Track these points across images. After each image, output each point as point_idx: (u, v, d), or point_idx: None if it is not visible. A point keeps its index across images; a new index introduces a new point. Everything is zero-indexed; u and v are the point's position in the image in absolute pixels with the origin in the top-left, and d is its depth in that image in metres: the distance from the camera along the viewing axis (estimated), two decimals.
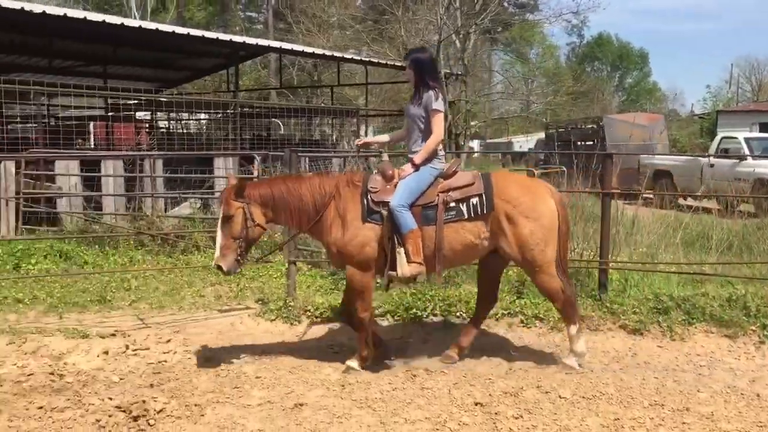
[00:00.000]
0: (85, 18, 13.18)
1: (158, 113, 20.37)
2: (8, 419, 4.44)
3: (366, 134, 23.23)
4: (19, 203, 10.10)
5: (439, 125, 5.47)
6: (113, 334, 6.36)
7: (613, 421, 4.54)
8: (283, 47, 18.76)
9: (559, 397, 4.90)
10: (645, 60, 72.85)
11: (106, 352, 5.89)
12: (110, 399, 4.76)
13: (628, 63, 72.85)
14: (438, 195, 5.37)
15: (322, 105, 23.86)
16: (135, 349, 6.03)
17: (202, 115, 20.68)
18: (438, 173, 5.47)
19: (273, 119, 22.06)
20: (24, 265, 8.67)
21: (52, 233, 10.13)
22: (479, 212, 5.36)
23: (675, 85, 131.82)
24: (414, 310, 6.82)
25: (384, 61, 21.89)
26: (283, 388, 5.06)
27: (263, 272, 8.80)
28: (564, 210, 5.65)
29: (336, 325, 6.70)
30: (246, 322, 6.94)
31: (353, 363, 5.54)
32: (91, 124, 19.59)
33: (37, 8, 12.15)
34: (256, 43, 17.78)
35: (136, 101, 19.36)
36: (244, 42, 16.63)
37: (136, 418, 4.48)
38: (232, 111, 17.01)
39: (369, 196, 5.34)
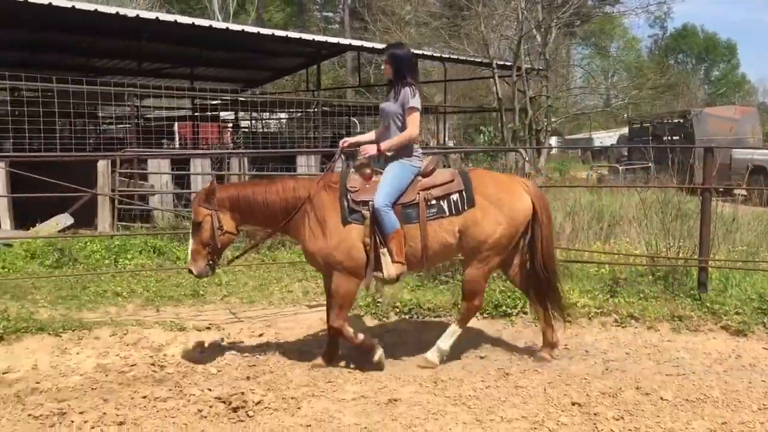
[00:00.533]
0: (175, 21, 13.64)
1: (241, 113, 20.88)
2: (115, 407, 4.60)
3: (443, 132, 23.16)
4: (115, 201, 10.50)
5: (413, 123, 5.38)
6: (208, 328, 6.54)
7: (721, 425, 4.36)
8: (363, 45, 18.89)
9: (661, 399, 4.74)
10: (733, 51, 69.64)
11: (203, 345, 6.06)
12: (209, 390, 4.87)
13: (715, 55, 69.81)
14: (419, 193, 5.34)
15: None
16: (230, 342, 6.19)
17: (283, 114, 21.06)
18: (417, 171, 5.43)
19: (350, 118, 22.26)
20: (121, 260, 9.00)
21: (145, 230, 10.49)
22: (460, 209, 5.35)
23: (765, 77, 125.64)
24: (503, 308, 6.73)
25: (462, 57, 21.73)
26: (375, 384, 5.07)
27: None
28: (543, 202, 5.62)
29: (425, 322, 6.69)
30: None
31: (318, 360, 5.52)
32: (176, 124, 20.28)
33: (131, 12, 12.66)
34: (338, 42, 17.98)
35: (219, 101, 19.93)
36: (326, 41, 16.86)
37: (235, 409, 4.58)
38: (313, 110, 17.23)
39: (349, 196, 5.28)
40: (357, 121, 23.19)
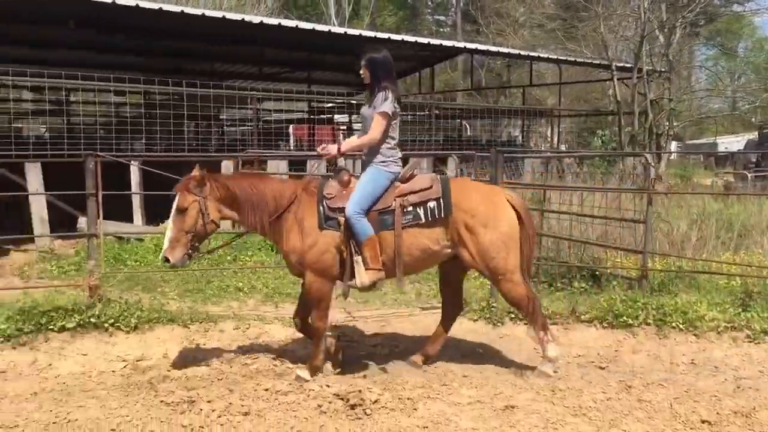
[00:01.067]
0: (296, 26, 14.09)
1: (354, 116, 21.22)
2: (240, 398, 4.78)
3: (556, 135, 22.62)
4: None
5: (376, 127, 5.22)
6: None
7: None
8: (477, 48, 18.79)
9: None
10: None
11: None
12: (328, 386, 4.97)
13: None
14: (395, 199, 5.20)
15: (515, 106, 23.55)
16: (346, 341, 6.30)
17: None
18: (394, 177, 5.29)
19: (461, 120, 22.17)
20: (241, 257, 9.37)
21: None
22: (437, 216, 5.20)
23: None
24: (624, 318, 6.49)
25: (579, 59, 21.18)
26: (491, 389, 5.02)
27: None
28: (527, 214, 5.44)
29: None
30: None
31: (303, 373, 5.29)
32: (290, 126, 20.88)
33: (255, 19, 13.18)
34: (452, 45, 17.99)
35: (332, 104, 20.35)
36: (441, 44, 16.88)
37: (353, 407, 4.65)
38: (426, 113, 17.29)
39: (324, 203, 5.20)
40: (468, 125, 23.08)
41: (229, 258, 9.34)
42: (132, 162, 10.19)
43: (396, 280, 5.32)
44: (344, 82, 23.65)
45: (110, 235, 9.32)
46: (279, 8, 35.25)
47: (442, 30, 48.56)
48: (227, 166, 11.29)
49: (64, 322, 6.09)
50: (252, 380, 5.28)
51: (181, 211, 5.08)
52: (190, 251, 5.14)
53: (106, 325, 6.21)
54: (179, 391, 4.87)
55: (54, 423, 4.38)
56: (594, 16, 20.65)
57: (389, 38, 15.41)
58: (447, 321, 5.78)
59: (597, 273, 7.89)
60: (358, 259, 5.11)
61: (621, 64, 21.02)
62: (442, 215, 5.21)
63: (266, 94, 14.27)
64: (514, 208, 5.35)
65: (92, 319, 6.19)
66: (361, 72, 5.36)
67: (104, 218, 6.96)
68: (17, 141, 10.64)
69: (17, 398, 4.96)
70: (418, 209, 5.20)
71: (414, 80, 27.11)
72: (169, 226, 5.10)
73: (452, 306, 5.78)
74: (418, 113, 19.56)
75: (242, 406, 4.64)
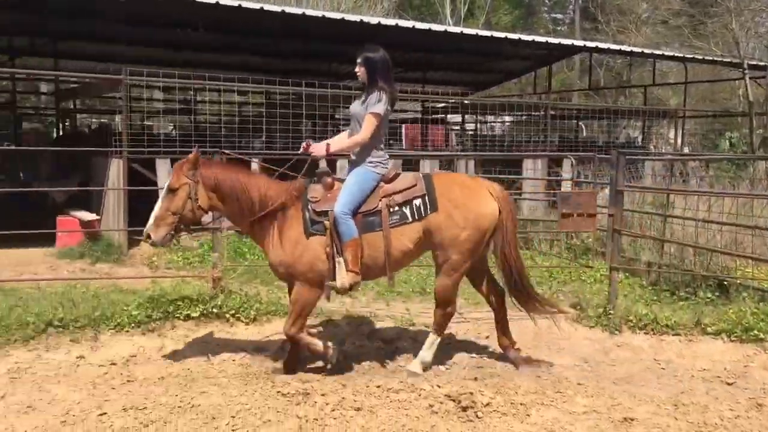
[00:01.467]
0: (413, 27, 14.19)
1: (467, 116, 21.11)
2: (352, 393, 4.86)
3: (680, 137, 21.55)
4: None
5: (367, 127, 5.18)
6: None
7: None
8: (598, 46, 18.18)
9: None
10: None
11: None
12: (439, 387, 4.96)
13: None
14: (381, 200, 5.19)
15: (636, 106, 22.64)
16: (459, 340, 6.28)
17: (508, 118, 20.94)
18: (380, 178, 5.28)
19: (578, 121, 21.55)
20: None
21: None
22: (423, 214, 5.22)
23: None
24: (755, 332, 6.10)
25: (708, 57, 20.08)
26: (608, 399, 4.86)
27: (575, 277, 8.61)
28: (509, 206, 5.46)
29: (662, 339, 6.28)
30: (562, 326, 6.80)
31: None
32: (403, 126, 20.99)
33: (373, 20, 13.37)
34: (572, 44, 17.49)
35: (445, 104, 20.31)
36: (559, 43, 16.47)
37: (464, 409, 4.62)
38: (541, 113, 16.94)
39: (309, 207, 5.15)
40: (584, 125, 22.41)
41: None
42: (253, 159, 10.58)
43: (387, 279, 5.36)
44: (458, 82, 23.58)
45: (232, 229, 9.72)
46: (395, 9, 35.55)
47: (558, 28, 47.44)
48: (342, 165, 11.54)
49: (189, 311, 6.42)
50: (364, 377, 5.35)
51: (172, 191, 5.10)
52: (173, 232, 5.16)
53: (227, 315, 6.50)
54: (295, 383, 5.01)
55: (179, 407, 4.60)
56: (725, 11, 19.52)
57: (506, 37, 15.20)
58: (499, 313, 5.78)
59: (725, 283, 7.46)
60: (340, 260, 5.10)
61: (754, 62, 19.76)
62: (428, 212, 5.23)
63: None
64: (495, 200, 5.37)
65: (214, 310, 6.50)
66: (357, 70, 5.33)
67: None
68: (149, 138, 11.30)
69: (146, 382, 5.26)
70: (404, 209, 5.23)
71: (528, 80, 26.66)
72: (158, 203, 5.13)
73: (493, 295, 5.78)
74: (533, 113, 19.20)
75: (354, 401, 4.71)
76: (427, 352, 5.52)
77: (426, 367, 5.51)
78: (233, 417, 4.45)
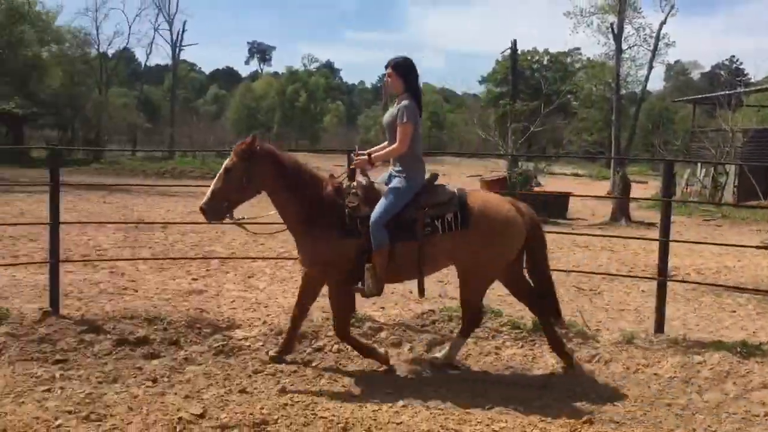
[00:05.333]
0: None
1: None
2: None
3: None
4: None
5: (403, 138, 5.29)
6: None
7: None
8: None
9: None
10: None
11: None
12: None
13: None
14: (416, 210, 5.28)
15: None
16: None
17: None
18: (418, 188, 5.35)
19: None
20: None
21: None
22: (453, 227, 5.30)
23: None
24: None
25: None
26: None
27: None
28: (535, 223, 5.60)
29: None
30: None
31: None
32: None
33: None
34: None
35: None
36: None
37: None
38: None
39: (346, 210, 5.24)
40: None
41: None
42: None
43: (417, 291, 5.45)
44: None
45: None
46: None
47: None
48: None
49: None
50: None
51: (227, 171, 5.21)
52: (225, 210, 5.26)
53: None
54: None
55: None
56: None
57: None
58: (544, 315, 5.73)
59: None
60: (369, 266, 5.19)
61: None
62: (459, 228, 5.31)
63: None
64: (524, 219, 5.47)
65: None
66: (386, 80, 5.42)
67: None
68: None
69: None
70: (436, 222, 5.28)
71: None
72: (214, 181, 5.25)
73: (529, 296, 5.76)
74: None
75: None
76: (451, 352, 5.68)
77: (449, 363, 5.65)
78: None
